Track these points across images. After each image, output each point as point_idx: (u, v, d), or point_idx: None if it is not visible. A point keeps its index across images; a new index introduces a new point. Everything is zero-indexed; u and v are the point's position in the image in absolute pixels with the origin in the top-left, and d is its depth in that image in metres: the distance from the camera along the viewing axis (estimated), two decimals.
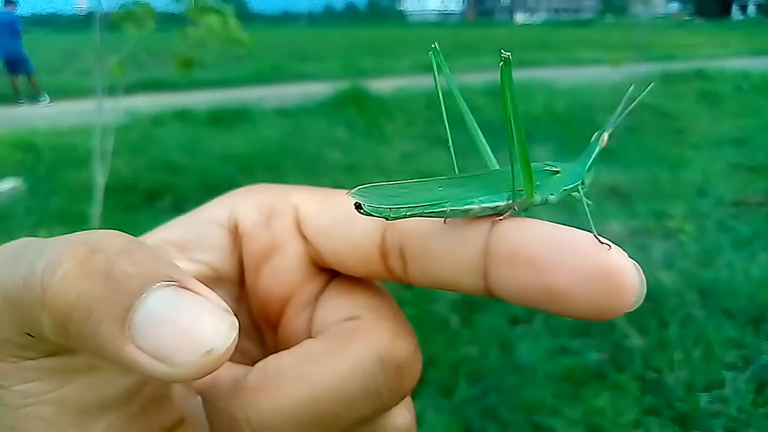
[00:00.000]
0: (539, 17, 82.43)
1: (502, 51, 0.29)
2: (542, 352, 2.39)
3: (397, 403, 0.32)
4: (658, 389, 2.19)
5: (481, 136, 0.35)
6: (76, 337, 0.23)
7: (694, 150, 5.57)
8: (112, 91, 4.09)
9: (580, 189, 0.34)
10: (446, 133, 0.35)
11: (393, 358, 0.30)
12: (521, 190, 0.31)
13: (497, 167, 0.34)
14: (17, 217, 3.94)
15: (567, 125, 6.36)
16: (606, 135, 0.35)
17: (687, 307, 2.64)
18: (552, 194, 0.33)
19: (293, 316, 0.36)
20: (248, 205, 0.37)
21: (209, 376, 0.30)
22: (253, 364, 0.31)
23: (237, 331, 0.23)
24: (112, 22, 3.76)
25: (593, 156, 0.35)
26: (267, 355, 0.31)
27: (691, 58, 12.42)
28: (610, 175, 4.55)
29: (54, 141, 6.00)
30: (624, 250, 0.26)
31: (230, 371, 0.31)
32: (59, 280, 0.23)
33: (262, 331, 0.38)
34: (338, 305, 0.34)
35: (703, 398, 2.12)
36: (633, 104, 0.35)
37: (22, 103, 9.09)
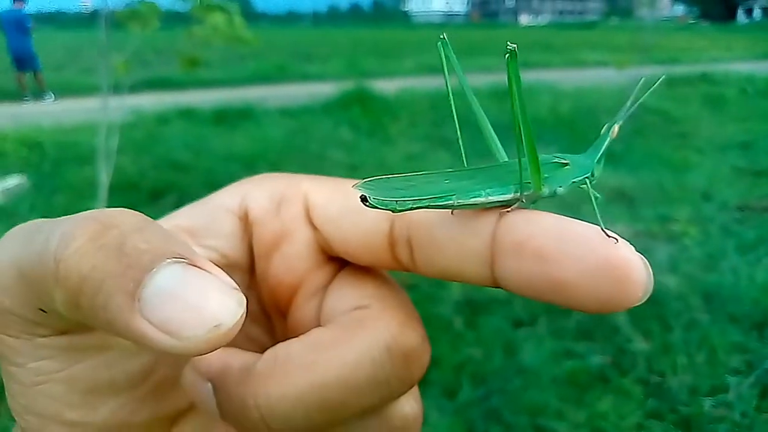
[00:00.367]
0: (544, 19, 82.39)
1: (508, 43, 0.29)
2: (546, 355, 2.39)
3: (404, 392, 0.32)
4: (661, 393, 2.19)
5: (490, 128, 0.35)
6: (87, 310, 0.24)
7: (699, 154, 5.56)
8: (117, 89, 4.10)
9: (589, 181, 0.34)
10: (455, 125, 0.35)
11: (401, 347, 0.30)
12: (529, 183, 0.31)
13: (506, 159, 0.34)
14: (21, 214, 3.94)
15: (571, 127, 6.35)
16: (616, 127, 0.34)
17: (691, 312, 2.63)
18: (561, 186, 0.33)
19: (302, 304, 0.36)
20: (259, 193, 0.37)
21: (219, 362, 0.31)
22: (262, 352, 0.31)
23: (245, 308, 0.24)
24: (118, 21, 3.77)
25: (603, 148, 0.34)
26: (276, 343, 0.32)
27: (696, 61, 12.41)
28: (614, 178, 4.54)
29: (59, 138, 6.02)
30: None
31: (240, 358, 0.31)
32: (72, 253, 0.24)
33: (272, 318, 0.39)
34: (347, 294, 0.34)
35: (707, 403, 2.12)
36: (644, 96, 0.34)
37: (27, 100, 9.12)
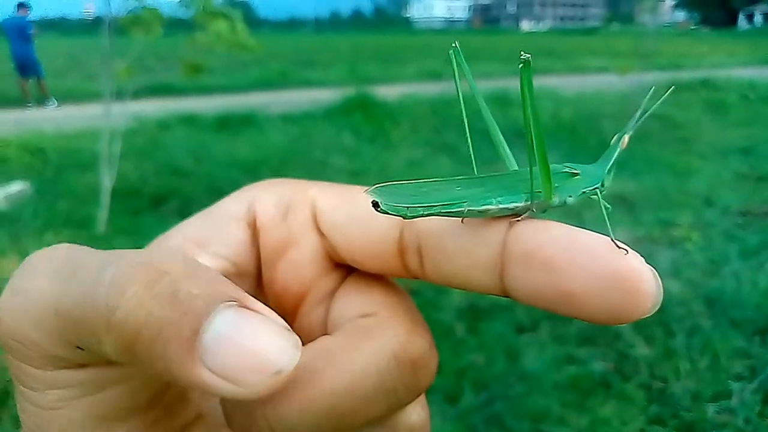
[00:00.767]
0: (545, 25, 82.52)
1: (522, 53, 0.29)
2: (548, 361, 2.38)
3: (412, 400, 0.31)
4: (664, 399, 2.18)
5: (501, 136, 0.35)
6: (143, 358, 0.24)
7: (701, 159, 5.56)
8: (119, 95, 4.12)
9: (599, 192, 0.34)
10: (466, 132, 0.35)
11: (408, 354, 0.30)
12: (540, 192, 0.31)
13: (516, 168, 0.34)
14: (24, 220, 3.95)
15: (573, 133, 6.36)
16: (627, 137, 0.34)
17: (693, 317, 2.62)
18: (571, 196, 0.33)
19: (309, 311, 0.36)
20: (266, 199, 0.37)
21: None
22: None
23: (300, 349, 0.24)
24: (121, 27, 3.78)
25: (613, 158, 0.34)
26: None
27: (697, 67, 12.42)
28: (616, 183, 4.52)
29: (61, 144, 6.03)
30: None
31: None
32: (127, 302, 0.23)
33: None
34: (354, 302, 0.34)
35: (710, 408, 2.11)
36: (653, 107, 0.34)
37: (29, 106, 9.15)
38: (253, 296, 0.37)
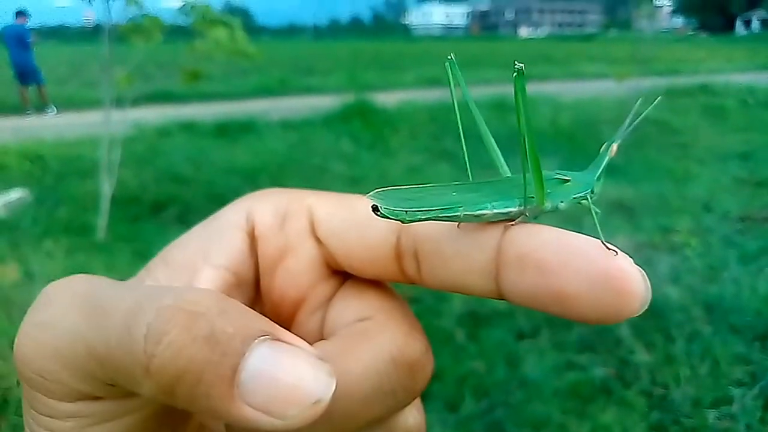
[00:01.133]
0: (543, 31, 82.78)
1: (516, 63, 0.29)
2: (548, 368, 2.38)
3: (409, 403, 0.32)
4: (665, 405, 2.17)
5: (494, 144, 0.36)
6: (184, 399, 0.24)
7: (700, 165, 5.57)
8: (119, 102, 4.12)
9: (589, 198, 0.35)
10: (461, 141, 0.36)
11: (406, 357, 0.31)
12: (533, 197, 0.32)
13: (509, 174, 0.35)
14: (24, 227, 3.95)
15: (571, 139, 6.37)
16: (615, 146, 0.35)
17: (693, 323, 2.62)
18: (562, 202, 0.34)
19: (306, 318, 0.36)
20: (264, 208, 0.37)
21: None
22: None
23: (335, 378, 0.25)
24: (120, 35, 3.80)
25: (602, 166, 0.35)
26: None
27: (695, 72, 12.45)
28: (615, 189, 4.54)
29: (61, 152, 6.04)
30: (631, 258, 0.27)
31: None
32: (166, 348, 0.24)
33: None
34: (350, 307, 0.34)
35: (711, 415, 2.10)
36: (641, 116, 0.35)
37: (29, 113, 9.17)
38: (251, 305, 0.37)
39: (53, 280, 0.30)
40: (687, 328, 2.58)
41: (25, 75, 9.22)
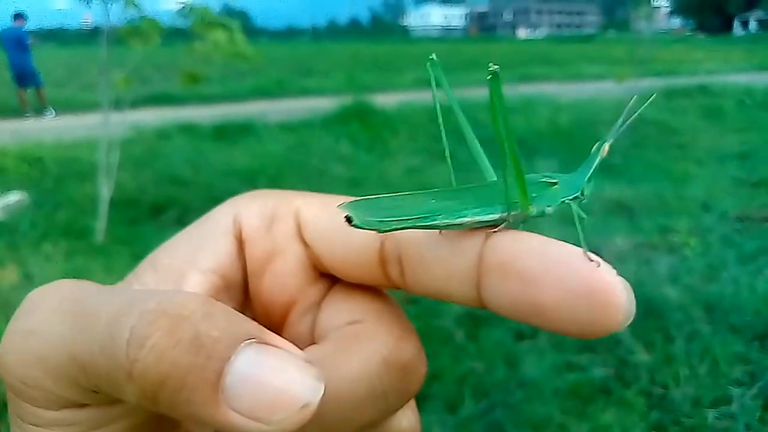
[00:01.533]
0: (541, 32, 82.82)
1: (491, 64, 0.29)
2: (548, 368, 2.38)
3: (402, 406, 0.32)
4: (664, 405, 2.18)
5: (479, 147, 0.34)
6: (167, 404, 0.24)
7: (698, 165, 5.58)
8: (117, 105, 4.12)
9: (579, 201, 0.34)
10: (444, 145, 0.35)
11: (398, 360, 0.30)
12: (516, 202, 0.31)
13: (495, 179, 0.34)
14: (22, 230, 3.94)
15: (570, 140, 6.37)
16: (606, 146, 0.34)
17: (692, 323, 2.62)
18: (549, 206, 0.33)
19: (296, 321, 0.36)
20: (251, 211, 0.37)
21: None
22: None
23: (323, 381, 0.24)
24: (119, 37, 3.79)
25: (593, 167, 0.34)
26: None
27: (693, 73, 12.47)
28: (614, 189, 4.55)
29: (59, 154, 6.03)
30: (617, 267, 0.26)
31: None
32: (148, 353, 0.23)
33: None
34: (341, 310, 0.34)
35: (710, 414, 2.11)
36: (634, 116, 0.34)
37: (27, 116, 9.16)
38: (240, 309, 0.37)
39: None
40: (686, 328, 2.58)
41: (24, 77, 9.21)
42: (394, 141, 6.66)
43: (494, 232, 0.29)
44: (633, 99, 0.35)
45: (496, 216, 0.31)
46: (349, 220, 0.29)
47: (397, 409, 0.32)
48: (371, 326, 0.32)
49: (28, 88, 9.37)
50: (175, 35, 4.39)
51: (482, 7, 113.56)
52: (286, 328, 0.36)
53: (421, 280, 0.31)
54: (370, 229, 0.30)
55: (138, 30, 3.63)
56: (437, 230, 0.31)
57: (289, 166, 5.63)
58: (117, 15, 3.84)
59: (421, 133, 6.94)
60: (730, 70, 13.41)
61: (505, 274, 0.27)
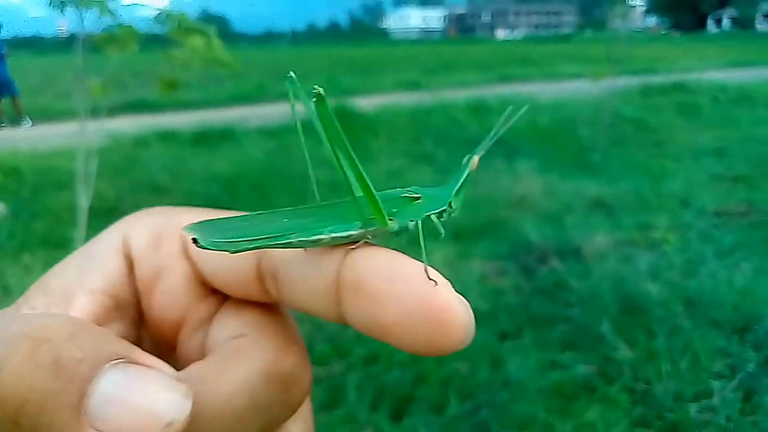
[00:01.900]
0: (519, 33, 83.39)
1: (315, 87, 0.29)
2: (532, 367, 2.39)
3: (289, 416, 0.32)
4: (647, 400, 2.20)
5: (347, 162, 0.32)
6: (30, 428, 0.23)
7: (676, 162, 5.64)
8: (94, 113, 4.07)
9: (447, 214, 0.34)
10: (307, 162, 0.36)
11: (279, 372, 0.31)
12: (373, 218, 0.31)
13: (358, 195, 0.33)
14: (0, 241, 3.88)
15: (550, 139, 6.42)
16: (476, 158, 0.34)
17: (673, 318, 2.65)
18: (412, 221, 0.33)
19: (187, 338, 0.36)
20: (139, 230, 0.37)
21: None
22: None
23: (191, 398, 0.24)
24: (95, 44, 3.75)
25: (462, 180, 0.34)
26: None
27: (669, 71, 12.64)
28: (593, 187, 4.59)
29: (36, 164, 5.95)
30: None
31: None
32: (7, 376, 0.23)
33: (165, 354, 0.38)
34: (227, 325, 0.34)
35: (692, 408, 2.13)
36: (506, 128, 0.35)
37: (3, 126, 9.02)
38: (136, 328, 0.36)
39: None
40: (667, 324, 2.61)
41: None
42: (375, 144, 6.66)
43: (352, 249, 0.29)
44: (509, 109, 0.35)
45: (354, 232, 0.31)
46: (195, 241, 0.29)
47: (284, 420, 0.32)
48: (253, 339, 0.32)
49: (4, 98, 9.23)
50: (153, 42, 4.35)
51: (461, 9, 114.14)
52: (179, 345, 0.36)
53: (290, 297, 0.31)
54: (219, 251, 0.30)
55: (114, 37, 3.59)
56: (303, 248, 0.31)
57: (270, 171, 5.61)
58: (92, 22, 3.80)
59: (402, 136, 6.95)
60: (705, 68, 13.61)
61: (356, 293, 0.27)
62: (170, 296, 0.35)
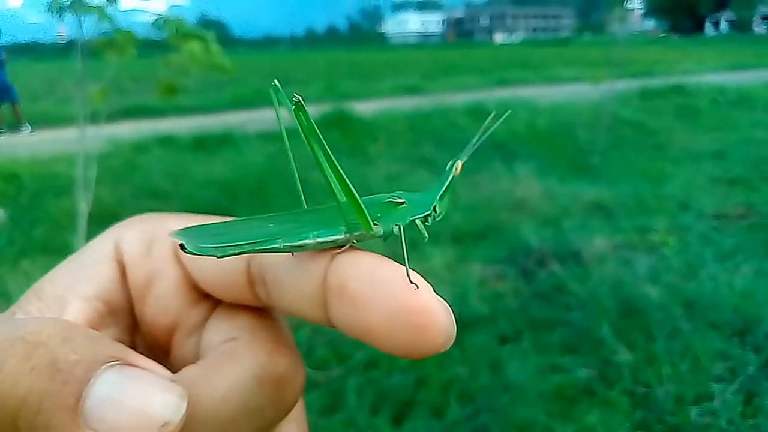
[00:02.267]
0: (518, 37, 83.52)
1: (295, 94, 0.29)
2: (532, 371, 2.39)
3: (282, 418, 0.32)
4: (648, 404, 2.19)
5: (330, 169, 0.32)
6: (28, 429, 0.23)
7: (675, 164, 5.65)
8: (94, 118, 4.07)
9: (432, 218, 0.34)
10: (293, 168, 0.36)
11: (270, 374, 0.31)
12: (358, 223, 0.31)
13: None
14: (0, 248, 3.88)
15: (549, 143, 6.43)
16: (460, 164, 0.34)
17: (673, 321, 2.65)
18: (396, 225, 0.33)
19: (181, 342, 0.36)
20: (131, 236, 0.37)
21: None
22: None
23: (186, 399, 0.24)
24: (94, 50, 3.76)
25: (446, 185, 0.34)
26: None
27: (668, 74, 12.65)
28: (592, 190, 4.59)
29: (36, 170, 5.95)
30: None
31: None
32: (4, 379, 0.23)
33: (159, 359, 0.39)
34: (220, 329, 0.34)
35: (693, 411, 2.13)
36: (488, 133, 0.35)
37: (3, 132, 9.02)
38: (130, 334, 0.37)
39: None
40: (667, 326, 2.60)
41: None
42: (374, 148, 6.67)
43: (338, 253, 0.29)
44: (491, 115, 0.36)
45: (339, 237, 0.31)
46: (183, 247, 0.30)
47: (277, 422, 0.32)
48: (244, 342, 0.33)
49: (3, 104, 9.23)
50: (152, 47, 4.36)
51: (459, 13, 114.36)
52: (173, 349, 0.36)
53: (280, 301, 0.31)
54: (206, 256, 0.30)
55: (113, 42, 3.60)
56: (291, 252, 0.31)
57: (270, 176, 5.61)
58: (91, 28, 3.80)
59: (401, 140, 6.96)
60: (703, 70, 13.64)
61: (341, 296, 0.28)
62: (163, 301, 0.36)
